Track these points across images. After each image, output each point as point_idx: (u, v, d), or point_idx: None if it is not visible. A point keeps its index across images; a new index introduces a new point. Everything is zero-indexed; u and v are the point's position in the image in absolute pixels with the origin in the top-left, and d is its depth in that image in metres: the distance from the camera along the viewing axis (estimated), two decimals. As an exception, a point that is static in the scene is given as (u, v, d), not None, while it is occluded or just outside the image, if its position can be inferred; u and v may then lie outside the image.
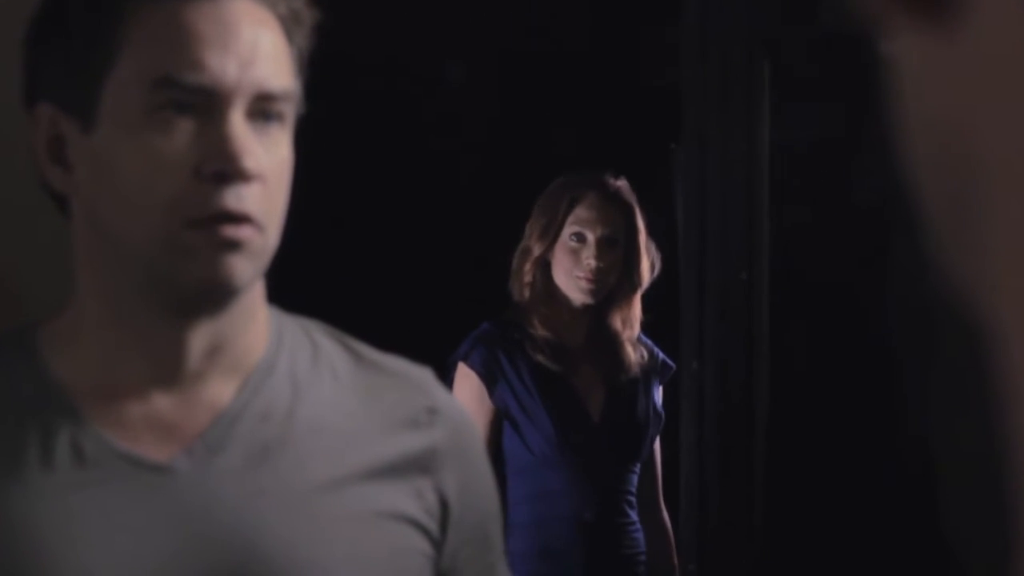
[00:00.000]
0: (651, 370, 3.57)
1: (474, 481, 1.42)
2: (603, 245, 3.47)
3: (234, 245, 1.25)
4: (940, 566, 3.33)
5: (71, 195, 1.31)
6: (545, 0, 5.16)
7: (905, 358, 3.53)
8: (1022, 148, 0.43)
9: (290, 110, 1.30)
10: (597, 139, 4.94)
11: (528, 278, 3.51)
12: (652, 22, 4.75)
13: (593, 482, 3.43)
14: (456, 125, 5.15)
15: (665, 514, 3.62)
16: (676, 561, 3.63)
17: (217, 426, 1.31)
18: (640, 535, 3.51)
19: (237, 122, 1.25)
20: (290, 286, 1.48)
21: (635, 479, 3.52)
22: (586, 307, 3.50)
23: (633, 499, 3.51)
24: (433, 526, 1.37)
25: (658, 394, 3.60)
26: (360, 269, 4.84)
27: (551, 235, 3.49)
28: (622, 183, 3.54)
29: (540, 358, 3.45)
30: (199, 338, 1.30)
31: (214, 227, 1.24)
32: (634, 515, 3.50)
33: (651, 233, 3.57)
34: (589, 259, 3.45)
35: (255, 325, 1.35)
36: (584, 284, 3.46)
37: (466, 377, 3.44)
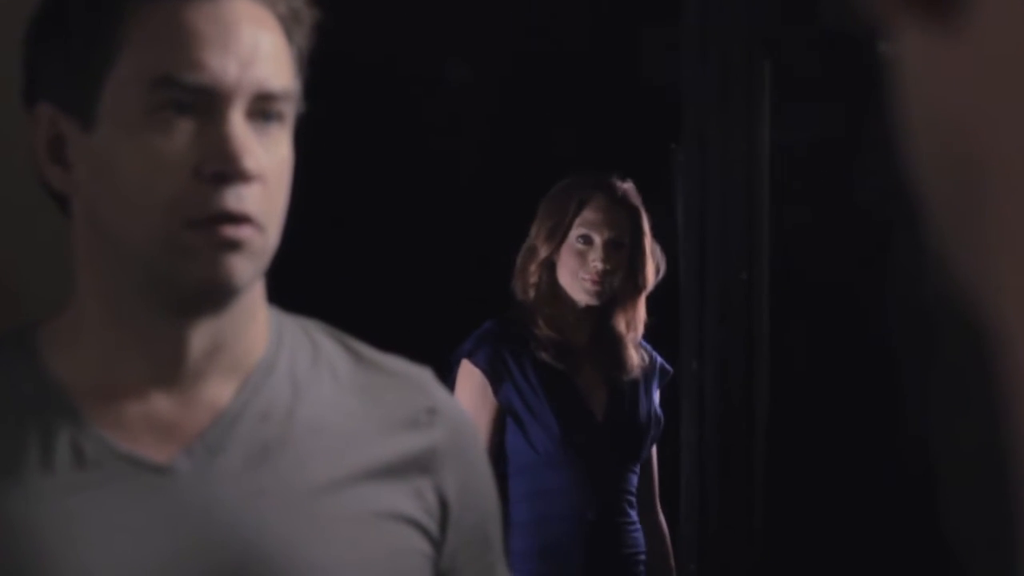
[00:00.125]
0: (650, 373, 3.59)
1: (474, 481, 1.42)
2: (610, 248, 3.48)
3: (234, 245, 1.24)
4: (940, 566, 3.32)
5: (71, 194, 1.31)
6: (545, 0, 5.16)
7: (905, 358, 3.53)
8: None
9: (290, 110, 1.30)
10: (597, 139, 4.94)
11: (533, 279, 3.52)
12: (652, 22, 4.75)
13: (595, 481, 3.44)
14: (456, 125, 5.15)
15: (661, 516, 3.63)
16: (673, 562, 3.64)
17: (217, 426, 1.31)
18: (640, 535, 3.52)
19: (237, 122, 1.25)
20: (290, 286, 1.48)
21: (635, 479, 3.53)
22: (590, 308, 3.50)
23: (633, 499, 3.52)
24: (433, 526, 1.37)
25: (656, 397, 3.61)
26: (360, 269, 4.84)
27: (558, 237, 3.50)
28: (628, 186, 3.55)
29: (545, 357, 3.46)
30: (199, 338, 1.30)
31: (214, 227, 1.24)
32: (634, 515, 3.51)
33: (654, 234, 3.58)
34: (596, 262, 3.47)
35: (255, 325, 1.35)
36: (589, 286, 3.47)
37: (470, 374, 3.45)
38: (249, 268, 1.26)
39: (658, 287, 3.63)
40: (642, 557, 3.52)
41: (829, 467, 3.71)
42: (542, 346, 3.47)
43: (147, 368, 1.30)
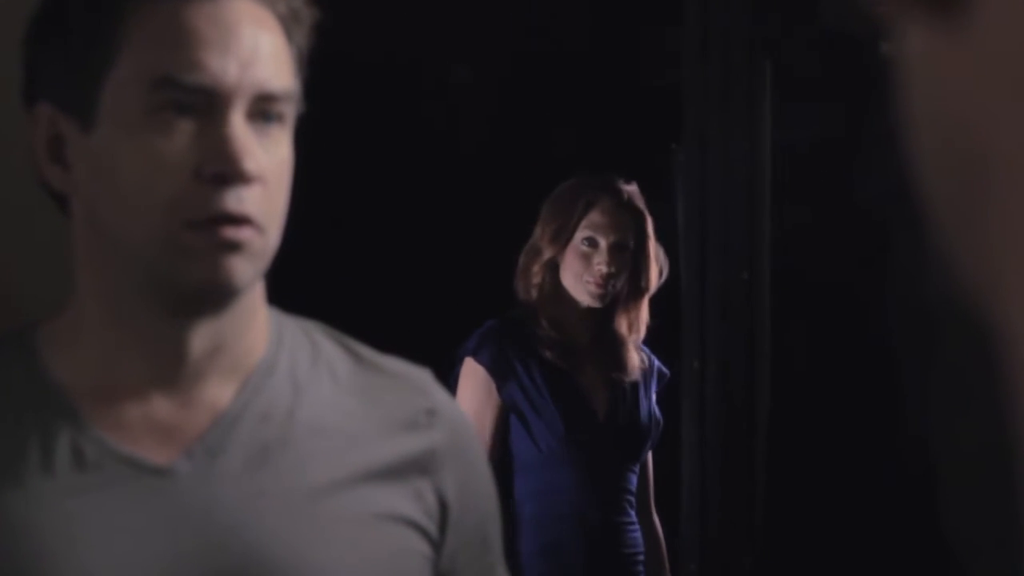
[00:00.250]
0: (649, 375, 3.61)
1: (473, 482, 1.42)
2: (614, 251, 3.49)
3: (234, 246, 1.24)
4: (941, 566, 3.32)
5: (70, 194, 1.31)
6: (545, 0, 5.16)
7: (906, 358, 3.53)
8: None
9: (290, 110, 1.30)
10: (598, 139, 4.94)
11: (537, 279, 3.53)
12: (653, 22, 4.75)
13: (597, 480, 3.45)
14: (456, 125, 5.15)
15: (656, 518, 3.64)
16: (667, 564, 3.65)
17: (217, 428, 1.31)
18: (639, 535, 3.53)
19: (237, 123, 1.25)
20: (290, 287, 1.48)
21: (635, 480, 3.54)
22: (592, 309, 3.52)
23: (633, 499, 3.53)
24: (432, 527, 1.37)
25: (654, 399, 3.62)
26: (360, 269, 4.84)
27: (563, 239, 3.51)
28: (633, 188, 3.56)
29: (549, 356, 3.47)
30: (199, 339, 1.30)
31: (214, 228, 1.24)
32: (634, 515, 3.52)
33: (656, 235, 3.59)
34: (600, 265, 3.48)
35: (255, 326, 1.35)
36: (593, 288, 3.49)
37: (474, 372, 3.46)
38: (249, 269, 1.26)
39: (659, 287, 3.64)
40: (641, 557, 3.53)
41: (830, 467, 3.71)
42: (546, 345, 3.48)
43: (147, 369, 1.30)
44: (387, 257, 4.92)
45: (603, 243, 3.50)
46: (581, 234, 3.51)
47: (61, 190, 1.31)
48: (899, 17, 0.46)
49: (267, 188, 1.26)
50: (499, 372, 3.45)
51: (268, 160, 1.27)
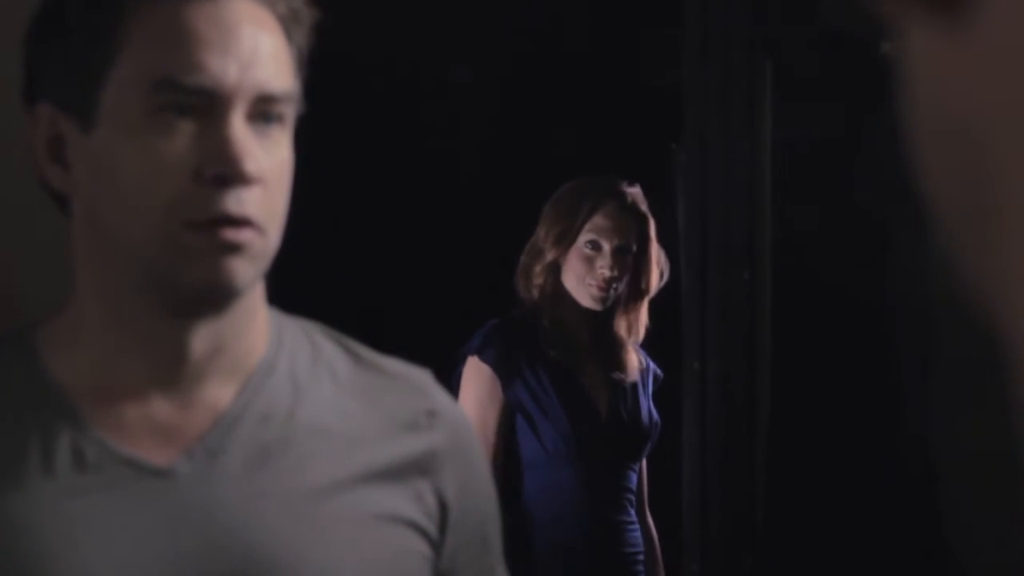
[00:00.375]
0: (646, 376, 3.63)
1: (473, 483, 1.42)
2: (617, 254, 3.51)
3: (234, 248, 1.24)
4: (941, 566, 3.32)
5: (71, 194, 1.31)
6: (546, 0, 5.16)
7: (906, 358, 3.52)
8: None
9: (290, 111, 1.30)
10: (598, 139, 4.94)
11: (538, 280, 3.54)
12: (653, 22, 4.75)
13: (600, 480, 3.47)
14: (456, 125, 5.15)
15: (651, 519, 3.65)
16: (661, 564, 3.66)
17: (217, 429, 1.30)
18: (639, 534, 3.54)
19: (238, 125, 1.25)
20: (290, 287, 1.48)
21: (636, 480, 3.55)
22: (593, 310, 3.53)
23: (634, 498, 3.54)
24: (432, 528, 1.37)
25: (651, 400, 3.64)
26: (360, 269, 4.83)
27: (567, 241, 3.52)
28: (636, 191, 3.58)
29: (553, 355, 3.48)
30: (199, 339, 1.30)
31: (214, 230, 1.24)
32: (634, 515, 3.53)
33: (657, 236, 3.61)
34: (603, 268, 3.49)
35: (255, 326, 1.34)
36: (595, 292, 3.50)
37: (478, 371, 3.46)
38: (250, 270, 1.26)
39: (659, 289, 3.65)
40: (641, 556, 3.55)
41: (831, 467, 3.71)
42: (549, 345, 3.49)
43: (147, 370, 1.30)
44: (387, 257, 4.92)
45: (606, 247, 3.50)
46: (585, 237, 3.52)
47: (61, 190, 1.31)
48: (901, 17, 0.46)
49: (267, 189, 1.26)
50: (505, 371, 3.45)
51: (268, 161, 1.27)
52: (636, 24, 4.99)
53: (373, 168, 4.98)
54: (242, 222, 1.24)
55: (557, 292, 3.53)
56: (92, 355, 1.31)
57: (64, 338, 1.32)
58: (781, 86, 3.73)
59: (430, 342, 2.78)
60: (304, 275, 2.79)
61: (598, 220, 3.52)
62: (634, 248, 3.53)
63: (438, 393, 1.43)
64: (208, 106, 1.24)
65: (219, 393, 1.32)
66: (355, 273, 4.80)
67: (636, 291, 3.56)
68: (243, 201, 1.24)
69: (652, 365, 3.68)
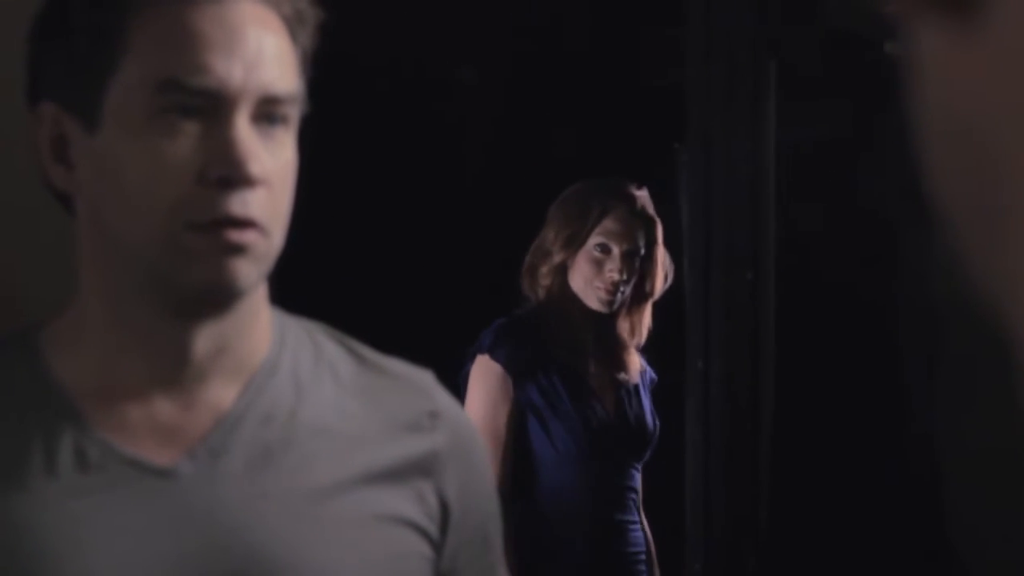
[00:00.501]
0: (644, 377, 3.64)
1: (474, 483, 1.42)
2: (627, 258, 3.52)
3: (238, 249, 1.24)
4: (945, 566, 3.32)
5: (74, 194, 1.31)
6: (548, 1, 5.16)
7: (910, 357, 3.52)
8: None
9: (294, 112, 1.30)
10: (601, 139, 4.94)
11: (545, 281, 3.54)
12: (657, 21, 4.75)
13: (607, 480, 3.48)
14: (459, 126, 5.15)
15: (645, 520, 3.66)
16: (657, 565, 3.67)
17: (219, 429, 1.30)
18: (641, 534, 3.55)
19: (242, 126, 1.24)
20: (293, 287, 1.48)
21: (639, 479, 3.56)
22: (598, 312, 3.53)
23: (637, 498, 3.55)
24: (433, 529, 1.37)
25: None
26: (363, 270, 4.83)
27: (576, 244, 3.52)
28: (644, 193, 3.58)
29: (563, 356, 3.49)
30: (202, 340, 1.29)
31: (218, 231, 1.23)
32: (637, 515, 3.54)
33: (663, 239, 3.62)
34: (612, 272, 3.50)
35: (258, 327, 1.34)
36: (603, 295, 3.51)
37: (489, 370, 3.46)
38: (253, 272, 1.26)
39: (664, 290, 3.66)
40: (643, 556, 3.56)
41: (835, 467, 3.71)
42: (558, 345, 3.50)
43: (149, 370, 1.30)
44: (390, 257, 4.92)
45: (616, 250, 3.51)
46: (594, 240, 3.52)
47: (64, 189, 1.31)
48: (910, 17, 0.45)
49: (271, 191, 1.26)
50: (517, 371, 3.45)
51: (273, 163, 1.26)
52: (640, 24, 4.98)
53: (374, 169, 4.98)
54: (246, 223, 1.24)
55: (564, 294, 3.54)
56: (95, 355, 1.31)
57: (67, 338, 1.32)
58: (785, 85, 3.73)
59: (433, 342, 2.78)
60: (307, 275, 2.79)
61: (608, 224, 3.52)
62: (642, 251, 3.54)
63: (440, 394, 1.43)
64: (213, 107, 1.24)
65: (221, 393, 1.32)
66: (358, 273, 4.79)
67: (640, 294, 3.57)
68: (247, 203, 1.24)
69: (648, 368, 3.69)
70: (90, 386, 1.30)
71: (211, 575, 1.27)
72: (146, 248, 1.25)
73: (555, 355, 3.49)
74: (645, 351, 3.68)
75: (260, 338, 1.35)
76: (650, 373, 3.69)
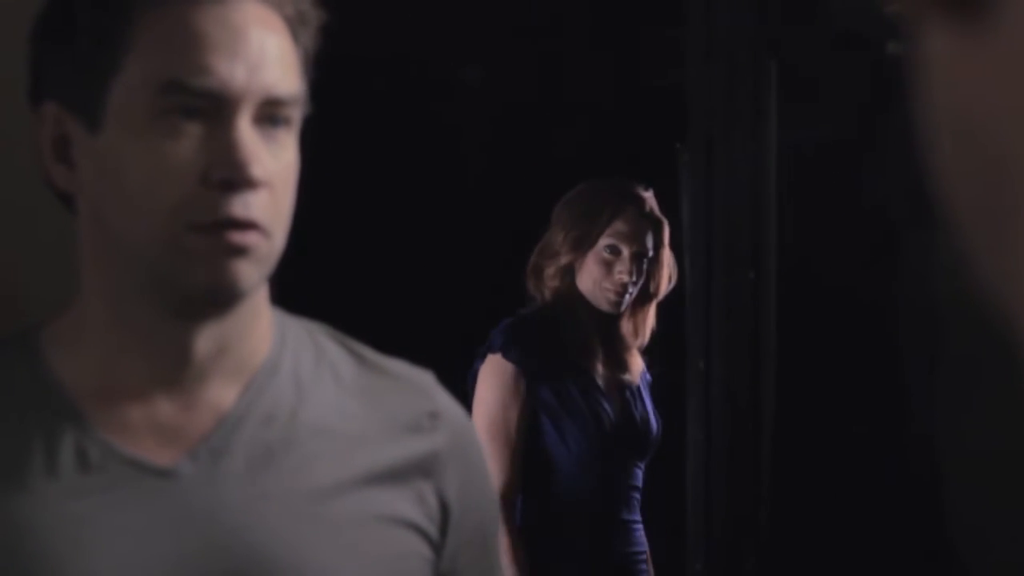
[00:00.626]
0: (643, 378, 3.64)
1: (474, 485, 1.42)
2: (635, 260, 3.52)
3: (240, 251, 1.24)
4: (946, 567, 3.32)
5: (76, 193, 1.31)
6: (549, 1, 5.15)
7: (911, 357, 3.52)
8: None
9: (297, 114, 1.30)
10: (603, 139, 4.93)
11: (553, 283, 3.55)
12: (657, 22, 4.74)
13: (617, 480, 3.50)
14: (461, 126, 5.14)
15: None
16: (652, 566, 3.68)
17: (220, 429, 1.30)
18: (643, 534, 3.56)
19: (245, 128, 1.24)
20: (294, 287, 1.48)
21: (642, 479, 3.57)
22: (602, 313, 3.54)
23: (640, 498, 3.56)
24: (433, 530, 1.37)
25: None
26: (365, 270, 4.83)
27: (586, 246, 3.52)
28: (651, 195, 3.59)
29: (573, 356, 3.50)
30: (203, 340, 1.29)
31: (219, 232, 1.23)
32: (639, 515, 3.55)
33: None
34: (622, 274, 3.51)
35: (259, 327, 1.34)
36: (612, 296, 3.52)
37: (502, 369, 3.46)
38: (255, 273, 1.26)
39: (667, 291, 3.67)
40: (644, 556, 3.57)
41: (836, 467, 3.70)
42: (568, 346, 3.50)
43: (150, 370, 1.30)
44: (391, 257, 4.91)
45: (626, 252, 3.52)
46: (604, 241, 3.53)
47: (66, 189, 1.31)
48: (917, 18, 0.45)
49: (273, 192, 1.26)
50: (531, 371, 3.45)
51: (275, 164, 1.26)
52: (640, 24, 4.98)
53: (376, 169, 4.98)
54: (247, 225, 1.24)
55: (570, 293, 3.54)
56: (96, 355, 1.31)
57: (67, 338, 1.32)
58: (786, 86, 3.73)
59: (434, 342, 2.78)
60: (310, 275, 2.79)
61: (619, 225, 3.53)
62: (650, 253, 3.55)
63: (440, 394, 1.43)
64: (215, 109, 1.24)
65: (222, 394, 1.32)
66: (359, 273, 4.79)
67: (645, 295, 3.58)
68: (249, 205, 1.24)
69: (645, 369, 3.70)
70: (91, 386, 1.30)
71: (212, 575, 1.27)
72: (147, 249, 1.25)
73: (564, 355, 3.50)
74: (646, 351, 3.68)
75: (261, 338, 1.35)
76: (646, 374, 3.69)
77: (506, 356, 3.46)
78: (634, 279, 3.53)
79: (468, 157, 5.13)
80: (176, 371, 1.30)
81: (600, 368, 3.55)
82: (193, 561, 1.26)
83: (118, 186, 1.26)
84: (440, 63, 5.07)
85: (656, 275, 3.58)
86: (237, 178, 1.23)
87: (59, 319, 1.34)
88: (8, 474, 1.26)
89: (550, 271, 3.55)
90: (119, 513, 1.26)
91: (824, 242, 3.78)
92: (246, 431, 1.31)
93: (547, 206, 3.63)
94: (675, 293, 3.76)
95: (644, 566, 3.57)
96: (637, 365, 3.60)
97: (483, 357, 3.48)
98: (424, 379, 1.43)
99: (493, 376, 3.46)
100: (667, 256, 3.61)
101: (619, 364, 3.57)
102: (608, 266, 3.52)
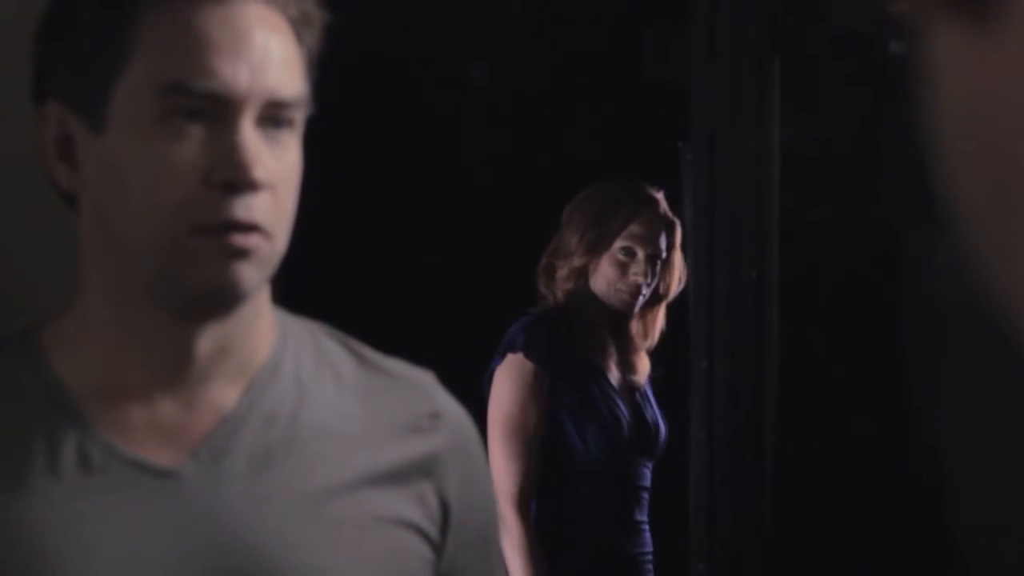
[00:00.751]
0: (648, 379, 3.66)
1: (475, 485, 1.42)
2: (650, 261, 3.52)
3: (242, 253, 1.24)
4: (948, 566, 3.32)
5: (78, 193, 1.30)
6: (552, 0, 5.15)
7: (915, 357, 3.52)
8: None
9: (300, 115, 1.29)
10: (605, 138, 4.93)
11: (567, 284, 3.54)
12: (661, 20, 4.74)
13: (631, 480, 3.50)
14: (464, 126, 5.14)
15: None
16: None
17: (222, 430, 1.30)
18: (650, 535, 3.56)
19: (248, 130, 1.24)
20: (296, 287, 1.47)
21: (650, 479, 3.58)
22: (613, 313, 3.54)
23: (648, 498, 3.56)
24: (434, 531, 1.37)
25: None
26: (369, 269, 4.83)
27: (601, 247, 3.52)
28: (662, 196, 3.60)
29: (589, 356, 3.50)
30: (205, 341, 1.29)
31: (222, 235, 1.23)
32: (647, 515, 3.56)
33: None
34: (637, 275, 3.51)
35: (260, 327, 1.34)
36: (627, 298, 3.53)
37: (522, 369, 3.45)
38: (256, 275, 1.26)
39: (677, 292, 3.67)
40: (651, 557, 3.56)
41: (838, 466, 3.70)
42: (584, 346, 3.51)
43: (151, 370, 1.29)
44: (397, 256, 4.91)
45: (641, 254, 3.53)
46: (619, 244, 3.53)
47: (69, 189, 1.31)
48: (924, 18, 0.45)
49: (276, 195, 1.26)
50: (553, 371, 3.45)
51: (277, 166, 1.26)
52: (644, 22, 4.98)
53: (378, 169, 4.97)
54: (250, 227, 1.24)
55: (583, 294, 3.54)
56: (97, 355, 1.30)
57: (69, 338, 1.32)
58: (789, 86, 3.73)
59: (440, 342, 2.78)
60: (312, 276, 2.79)
61: (635, 228, 3.54)
62: (664, 255, 3.56)
63: (441, 395, 1.43)
64: (218, 111, 1.24)
65: (224, 394, 1.32)
66: (365, 273, 4.79)
67: (655, 296, 3.59)
68: (251, 207, 1.24)
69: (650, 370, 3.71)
70: (92, 386, 1.30)
71: (212, 575, 1.27)
72: (149, 250, 1.25)
73: (580, 355, 3.50)
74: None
75: (262, 339, 1.34)
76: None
77: (528, 356, 3.45)
78: (648, 281, 3.53)
79: (472, 158, 5.13)
80: (177, 371, 1.30)
81: (613, 369, 3.56)
82: (194, 561, 1.26)
83: (120, 187, 1.26)
84: (443, 63, 5.07)
85: (667, 276, 3.59)
86: (239, 180, 1.23)
87: (60, 319, 1.34)
88: (9, 474, 1.26)
89: (563, 272, 3.55)
90: (120, 513, 1.26)
91: (827, 241, 3.78)
92: (247, 432, 1.31)
93: (553, 205, 3.63)
94: (678, 293, 3.75)
95: (650, 567, 3.57)
96: (644, 366, 3.61)
97: (502, 356, 3.47)
98: (425, 379, 1.43)
99: (514, 376, 3.45)
100: (678, 257, 3.62)
101: (628, 365, 3.58)
102: (623, 268, 3.52)
